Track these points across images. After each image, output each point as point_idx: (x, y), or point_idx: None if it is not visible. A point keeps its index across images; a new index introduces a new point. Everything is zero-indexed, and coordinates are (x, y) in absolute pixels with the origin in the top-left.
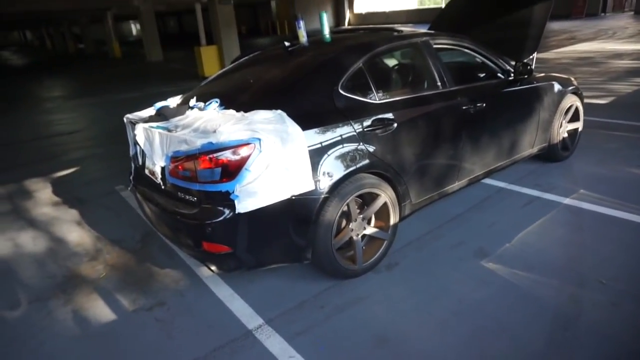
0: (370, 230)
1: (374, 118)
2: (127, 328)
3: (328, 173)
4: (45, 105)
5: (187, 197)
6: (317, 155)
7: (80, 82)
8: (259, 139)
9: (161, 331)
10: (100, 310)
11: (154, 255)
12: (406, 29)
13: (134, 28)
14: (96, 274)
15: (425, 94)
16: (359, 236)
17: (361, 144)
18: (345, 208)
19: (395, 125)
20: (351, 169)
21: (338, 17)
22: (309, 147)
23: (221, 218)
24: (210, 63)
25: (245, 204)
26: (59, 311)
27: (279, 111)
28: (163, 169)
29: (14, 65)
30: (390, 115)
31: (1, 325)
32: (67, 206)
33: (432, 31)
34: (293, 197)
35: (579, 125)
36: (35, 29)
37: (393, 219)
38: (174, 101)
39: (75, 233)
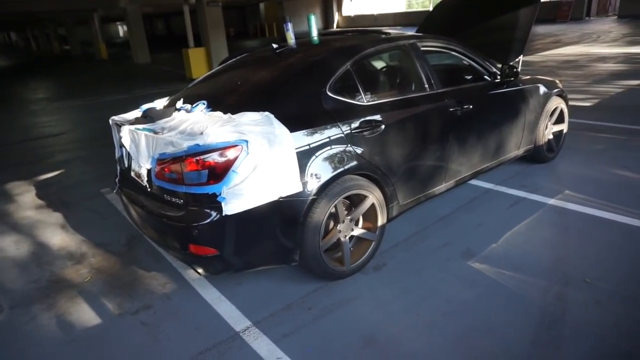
0: (358, 231)
1: (361, 120)
2: (112, 332)
3: (316, 175)
4: (31, 107)
5: (174, 199)
6: (304, 157)
7: (66, 84)
8: (246, 141)
9: (147, 335)
10: (85, 315)
11: (140, 259)
12: (394, 31)
13: (121, 30)
14: (81, 278)
15: (413, 96)
16: (347, 237)
17: (349, 145)
18: (333, 209)
19: (383, 127)
20: (339, 170)
21: (327, 20)
22: (296, 148)
23: (208, 220)
24: (198, 65)
25: (232, 206)
26: (43, 316)
27: (267, 113)
28: (149, 171)
29: None
30: (377, 117)
31: None
32: (52, 209)
33: (420, 34)
34: (281, 199)
35: (564, 127)
36: (20, 30)
37: (381, 220)
38: (160, 103)
39: (60, 236)
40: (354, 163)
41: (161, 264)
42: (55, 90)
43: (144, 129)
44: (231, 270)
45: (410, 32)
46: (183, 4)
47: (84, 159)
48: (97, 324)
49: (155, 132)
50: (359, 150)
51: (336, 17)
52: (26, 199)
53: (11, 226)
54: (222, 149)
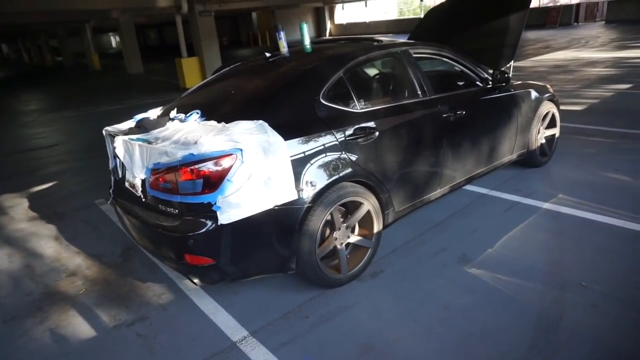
0: (354, 238)
1: (355, 127)
2: (107, 344)
3: (311, 182)
4: (23, 119)
5: (169, 209)
6: (299, 164)
7: (58, 95)
8: (241, 150)
9: (143, 347)
10: (79, 327)
11: (136, 270)
12: (386, 38)
13: (114, 40)
14: (75, 290)
15: (406, 102)
16: (343, 245)
17: (343, 153)
18: (329, 217)
19: (377, 133)
20: (334, 178)
21: (319, 28)
22: (291, 156)
23: (203, 230)
24: (192, 75)
25: (227, 215)
26: (36, 329)
27: (261, 121)
28: (143, 181)
29: None
30: (371, 124)
31: None
32: (45, 221)
33: (412, 41)
34: (276, 207)
35: (556, 131)
36: (12, 41)
37: (377, 226)
38: (154, 113)
39: (53, 248)
40: (349, 170)
41: (157, 274)
42: (48, 102)
43: (137, 139)
44: (227, 280)
45: (402, 39)
46: (175, 14)
47: (78, 170)
48: (92, 336)
49: (149, 142)
50: (353, 158)
51: (329, 25)
52: (19, 211)
53: (4, 239)
54: (216, 158)
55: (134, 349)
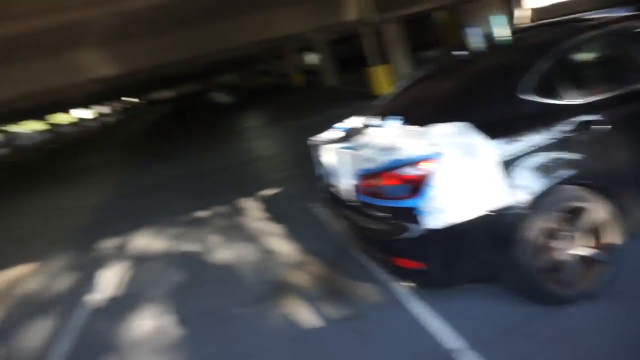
0: (581, 250)
1: (576, 121)
2: (326, 334)
3: (525, 186)
4: (245, 134)
5: (376, 213)
6: (509, 167)
7: (269, 112)
8: (441, 153)
9: (356, 340)
10: (304, 316)
11: (351, 269)
12: (598, 15)
13: (310, 58)
14: (301, 282)
15: (636, 87)
16: (569, 257)
17: (562, 152)
18: (548, 224)
19: (605, 127)
20: (553, 180)
21: (510, 16)
22: (499, 158)
23: (410, 234)
24: (382, 82)
25: (433, 220)
26: (271, 314)
27: (461, 123)
28: (352, 186)
29: (217, 103)
30: (596, 117)
31: (232, 320)
32: (271, 221)
33: (634, 13)
34: (487, 213)
35: None
36: (235, 70)
37: (612, 238)
38: (353, 122)
39: (281, 245)
40: (571, 172)
41: (370, 275)
42: (262, 118)
43: (342, 147)
44: (439, 285)
45: (620, 13)
46: (359, 27)
47: (292, 178)
48: (314, 326)
49: (353, 149)
50: (575, 157)
51: (523, 12)
52: (251, 213)
53: (244, 236)
54: (417, 162)
55: (347, 341)
